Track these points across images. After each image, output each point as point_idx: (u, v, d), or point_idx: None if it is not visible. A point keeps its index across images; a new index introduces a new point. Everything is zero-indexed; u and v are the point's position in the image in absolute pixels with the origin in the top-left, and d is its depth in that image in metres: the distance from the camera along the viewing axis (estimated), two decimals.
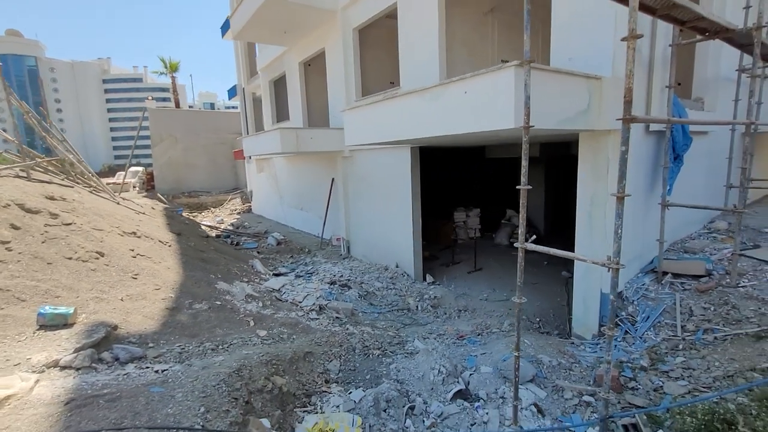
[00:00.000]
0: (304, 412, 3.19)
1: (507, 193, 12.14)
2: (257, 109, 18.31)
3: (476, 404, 3.69)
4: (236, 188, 23.52)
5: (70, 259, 4.19)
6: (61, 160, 7.32)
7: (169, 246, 5.89)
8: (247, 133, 18.14)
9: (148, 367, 3.05)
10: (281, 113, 14.11)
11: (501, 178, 12.20)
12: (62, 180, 7.02)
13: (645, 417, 3.28)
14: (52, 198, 5.17)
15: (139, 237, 5.53)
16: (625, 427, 3.33)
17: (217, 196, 21.87)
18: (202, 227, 11.29)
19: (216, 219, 16.79)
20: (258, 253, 10.06)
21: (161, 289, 4.47)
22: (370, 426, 3.17)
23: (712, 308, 4.27)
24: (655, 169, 5.12)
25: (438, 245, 10.25)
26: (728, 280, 4.56)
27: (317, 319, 5.21)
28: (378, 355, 4.46)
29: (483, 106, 3.64)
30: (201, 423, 2.19)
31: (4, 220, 4.21)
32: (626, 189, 4.64)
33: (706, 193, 6.32)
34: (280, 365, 3.46)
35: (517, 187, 3.17)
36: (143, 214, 7.59)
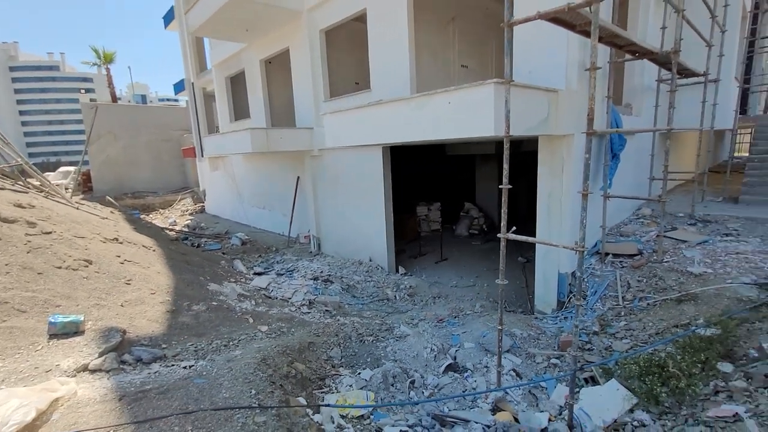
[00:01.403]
0: (322, 393, 3.54)
1: (464, 187, 13.09)
2: (208, 105, 17.64)
3: (465, 374, 4.27)
4: (185, 187, 22.43)
5: (59, 268, 4.09)
6: (12, 165, 6.77)
7: (153, 250, 5.79)
8: (198, 131, 17.41)
9: (173, 365, 3.21)
10: (239, 111, 13.81)
11: (459, 173, 13.05)
12: (13, 185, 6.52)
13: (600, 370, 4.05)
14: (21, 206, 4.89)
15: (121, 243, 5.40)
16: (585, 379, 4.09)
17: (165, 197, 20.74)
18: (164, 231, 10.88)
19: (168, 221, 16.03)
20: (223, 254, 9.96)
21: (157, 293, 4.51)
22: (381, 399, 3.61)
23: (644, 280, 5.23)
24: (596, 166, 6.02)
25: (404, 239, 10.81)
26: (655, 257, 5.58)
27: (309, 313, 5.50)
28: (372, 341, 4.88)
29: (466, 116, 4.17)
30: (257, 402, 2.48)
31: None
32: (576, 185, 5.45)
33: (634, 185, 7.47)
34: (292, 354, 3.77)
35: (500, 186, 3.73)
36: (106, 219, 7.27)
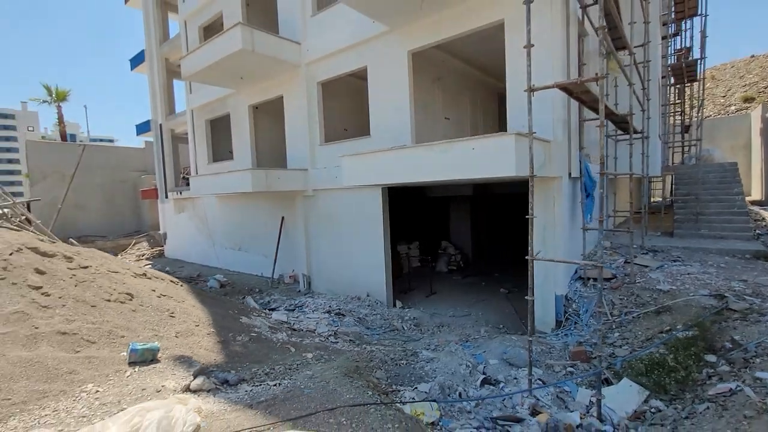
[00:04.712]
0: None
1: (439, 226, 14.03)
2: (173, 147, 17.39)
3: (500, 385, 4.75)
4: (139, 231, 21.12)
5: (108, 301, 4.02)
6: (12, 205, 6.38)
7: (181, 285, 5.67)
8: (164, 172, 17.00)
9: (259, 385, 3.36)
10: (218, 152, 13.91)
11: (435, 213, 14.02)
12: (10, 226, 6.11)
13: (611, 372, 4.76)
14: (42, 240, 4.70)
15: (149, 278, 5.26)
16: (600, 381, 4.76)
17: (117, 241, 19.34)
18: None
19: None
20: None
21: (200, 326, 4.52)
22: (442, 408, 3.96)
23: (625, 298, 6.20)
24: (575, 203, 7.16)
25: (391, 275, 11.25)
26: (628, 280, 6.64)
27: (337, 342, 5.70)
28: (405, 364, 5.21)
29: (488, 160, 5.00)
30: (364, 399, 2.77)
31: (27, 265, 3.88)
32: (564, 218, 6.43)
33: (595, 221, 8.77)
34: (353, 374, 4.04)
35: (526, 216, 4.51)
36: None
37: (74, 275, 4.14)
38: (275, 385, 3.31)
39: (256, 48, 8.61)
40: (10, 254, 3.88)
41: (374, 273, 8.74)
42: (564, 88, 4.43)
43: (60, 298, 3.75)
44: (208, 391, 3.07)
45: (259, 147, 12.19)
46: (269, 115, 12.02)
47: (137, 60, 18.37)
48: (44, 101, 20.45)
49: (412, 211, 13.72)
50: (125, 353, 3.40)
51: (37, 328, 3.27)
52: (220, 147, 14.09)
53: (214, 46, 9.10)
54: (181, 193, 16.01)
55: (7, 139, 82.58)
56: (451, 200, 13.62)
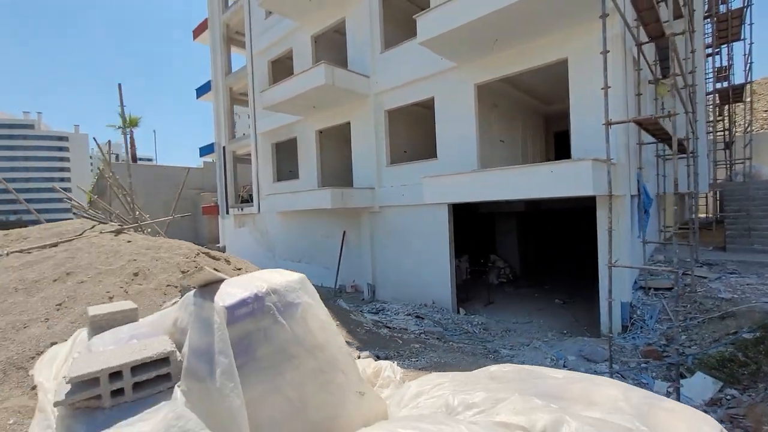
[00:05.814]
0: None
1: (488, 241, 14.74)
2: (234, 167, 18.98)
3: None
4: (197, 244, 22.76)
5: None
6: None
7: None
8: (225, 190, 18.55)
9: (404, 360, 4.24)
10: (281, 173, 15.26)
11: (484, 229, 14.76)
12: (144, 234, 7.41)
13: (684, 367, 5.36)
14: (199, 245, 5.86)
15: None
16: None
17: None
18: None
19: None
20: None
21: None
22: None
23: (688, 306, 6.77)
24: (634, 219, 7.81)
25: None
26: (689, 289, 7.19)
27: (428, 339, 6.54)
28: (493, 358, 5.98)
29: (565, 181, 5.83)
30: None
31: (208, 265, 4.97)
32: (626, 234, 7.10)
33: (651, 234, 9.34)
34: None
35: (600, 229, 5.27)
36: None
37: (238, 275, 5.19)
38: (416, 360, 4.19)
39: (335, 82, 9.84)
40: (195, 257, 4.98)
41: (439, 282, 9.55)
42: (638, 122, 5.24)
43: None
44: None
45: (323, 167, 13.40)
46: (331, 138, 13.26)
47: (203, 90, 20.32)
48: (119, 127, 22.79)
49: (462, 226, 14.50)
50: None
51: None
52: (282, 167, 15.45)
53: (298, 81, 10.42)
54: (242, 209, 17.45)
55: (61, 159, 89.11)
56: (497, 216, 14.35)
